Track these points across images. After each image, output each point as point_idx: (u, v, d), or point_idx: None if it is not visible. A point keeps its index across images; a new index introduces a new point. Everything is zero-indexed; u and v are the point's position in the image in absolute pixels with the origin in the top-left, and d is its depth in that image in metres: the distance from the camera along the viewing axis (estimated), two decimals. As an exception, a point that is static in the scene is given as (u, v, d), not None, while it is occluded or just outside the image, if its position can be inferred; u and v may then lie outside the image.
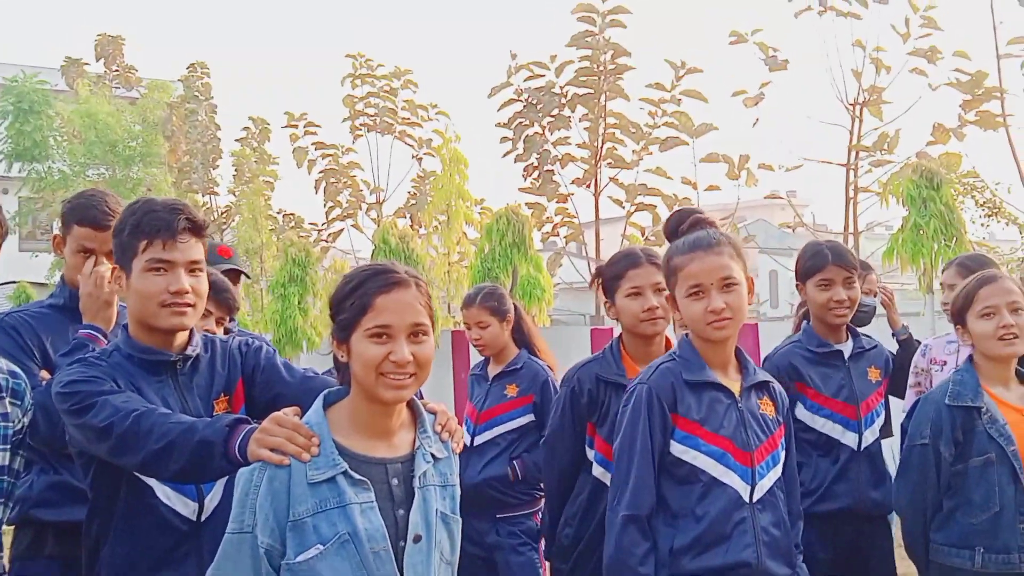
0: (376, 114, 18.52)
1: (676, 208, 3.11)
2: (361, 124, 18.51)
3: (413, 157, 18.62)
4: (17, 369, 2.69)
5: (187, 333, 2.78)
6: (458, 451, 2.49)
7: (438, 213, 17.41)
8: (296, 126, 18.76)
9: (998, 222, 13.06)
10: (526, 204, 15.86)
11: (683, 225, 2.97)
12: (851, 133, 13.83)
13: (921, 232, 9.96)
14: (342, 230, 18.78)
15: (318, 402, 2.36)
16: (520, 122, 15.88)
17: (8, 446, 2.54)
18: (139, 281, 2.69)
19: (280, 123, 19.03)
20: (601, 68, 15.44)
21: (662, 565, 2.78)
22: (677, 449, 2.83)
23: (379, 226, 15.86)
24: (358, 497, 2.24)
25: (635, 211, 15.86)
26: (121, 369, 2.66)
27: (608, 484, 3.14)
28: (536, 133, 15.84)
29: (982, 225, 13.61)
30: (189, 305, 2.72)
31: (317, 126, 18.77)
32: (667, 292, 3.05)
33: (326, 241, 18.85)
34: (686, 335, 2.99)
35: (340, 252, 19.08)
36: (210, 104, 23.06)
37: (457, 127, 17.32)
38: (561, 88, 15.67)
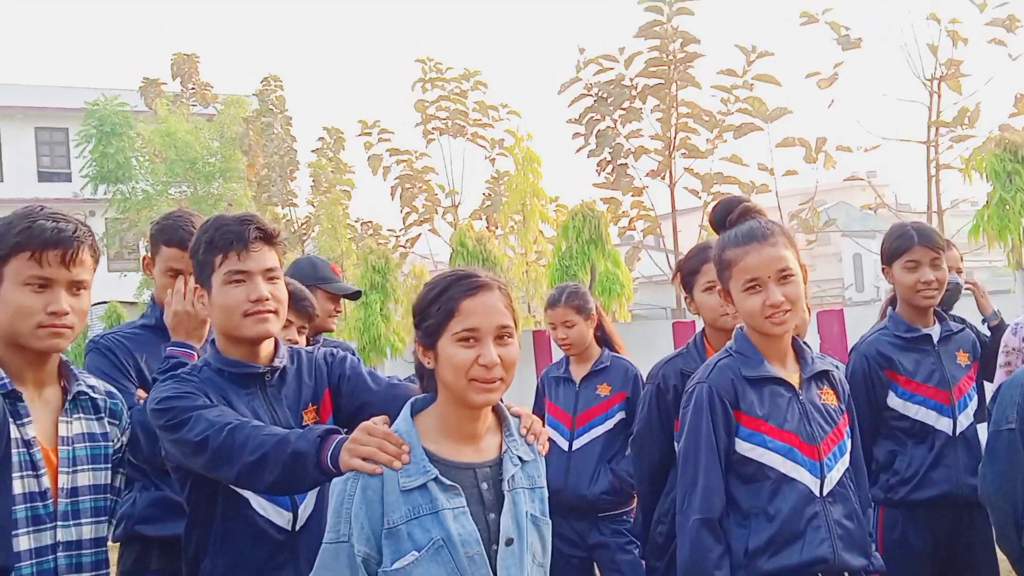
0: (448, 117, 18.62)
1: (722, 197, 3.06)
2: (433, 128, 18.62)
3: (486, 158, 18.66)
4: (114, 389, 2.76)
5: (273, 345, 2.83)
6: (544, 452, 2.49)
7: (513, 213, 17.46)
8: (370, 133, 18.95)
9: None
10: (601, 199, 15.81)
11: (732, 215, 2.93)
12: (930, 109, 13.53)
13: (1007, 207, 9.71)
14: (419, 235, 18.92)
15: (406, 410, 2.39)
16: (591, 117, 15.82)
17: (109, 465, 2.61)
18: (220, 295, 2.74)
19: (354, 132, 19.25)
20: (671, 57, 15.32)
21: (738, 567, 2.75)
22: (743, 447, 2.79)
23: (456, 229, 15.93)
24: (450, 503, 2.27)
25: (712, 201, 15.71)
26: (212, 383, 2.70)
27: None
28: (608, 127, 15.77)
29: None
30: (271, 312, 2.76)
31: (391, 132, 18.95)
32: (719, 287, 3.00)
33: (404, 247, 19.00)
34: (740, 328, 2.94)
35: (419, 257, 19.22)
36: (285, 117, 23.39)
37: (528, 126, 17.34)
38: (631, 80, 15.57)
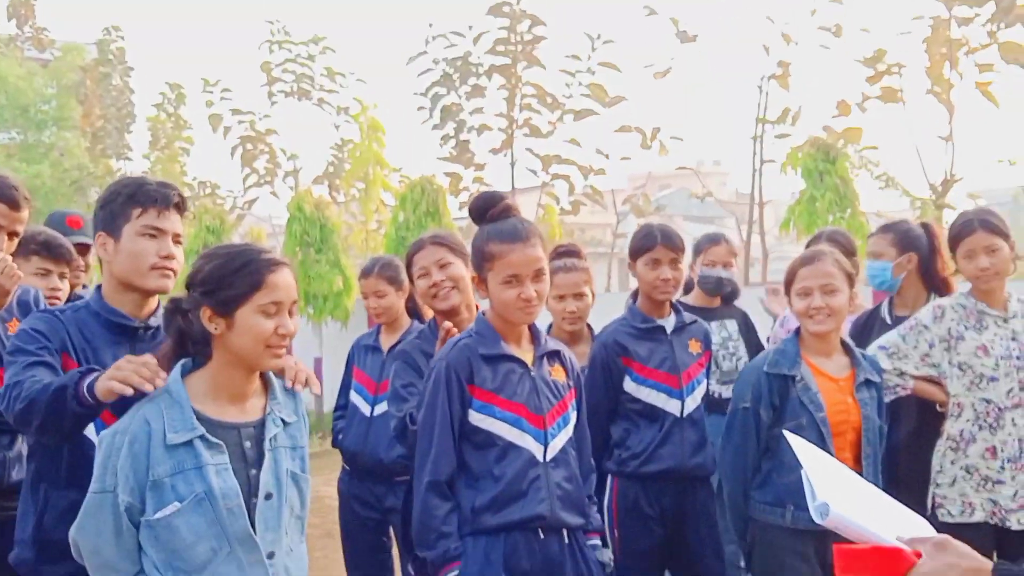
0: (294, 80, 18.45)
1: (483, 192, 3.28)
2: (278, 91, 18.43)
3: (332, 125, 18.59)
4: None
5: (154, 305, 2.97)
6: (317, 391, 2.68)
7: (356, 181, 17.46)
8: (212, 91, 18.63)
9: (896, 190, 13.49)
10: (444, 173, 15.99)
11: (494, 210, 3.14)
12: (759, 106, 14.18)
13: (817, 204, 10.32)
14: (258, 198, 18.74)
15: (176, 371, 2.52)
16: (437, 91, 15.97)
17: None
18: (131, 243, 2.87)
19: (197, 89, 18.89)
20: (518, 38, 15.58)
21: (465, 522, 3.02)
22: (475, 418, 3.06)
23: (295, 194, 15.86)
24: (213, 459, 2.43)
25: (551, 180, 16.07)
26: (84, 324, 2.85)
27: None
28: (453, 103, 15.94)
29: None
30: (173, 271, 2.91)
31: (231, 91, 18.65)
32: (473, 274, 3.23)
33: (242, 209, 18.78)
34: (482, 313, 3.20)
35: (256, 220, 19.03)
36: (125, 68, 22.73)
37: (375, 96, 17.34)
38: (478, 58, 15.77)
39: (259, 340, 2.49)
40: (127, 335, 2.89)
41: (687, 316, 4.13)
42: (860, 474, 3.45)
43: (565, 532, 3.09)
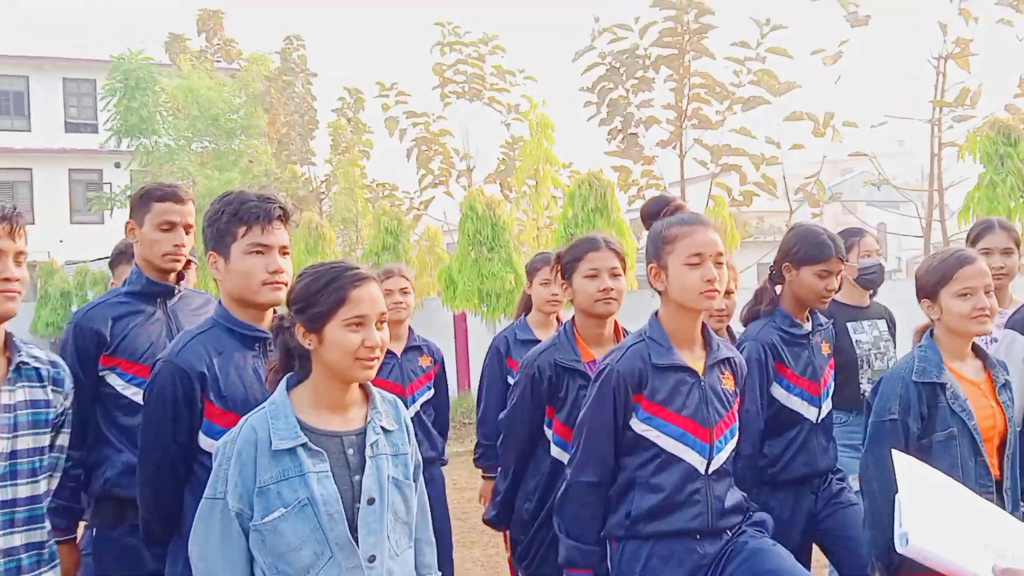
0: (465, 81, 18.82)
1: (653, 196, 3.34)
2: (450, 91, 18.82)
3: (502, 123, 18.89)
4: (57, 359, 2.97)
5: (272, 313, 3.11)
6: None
7: (527, 178, 17.68)
8: (388, 95, 19.18)
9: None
10: (612, 167, 16.02)
11: (668, 208, 3.21)
12: (936, 88, 13.66)
13: (997, 189, 9.91)
14: (433, 198, 19.20)
15: (281, 385, 2.70)
16: (604, 85, 16.00)
17: (49, 429, 2.83)
18: (240, 262, 3.01)
19: (373, 93, 19.49)
20: (685, 28, 15.45)
21: (620, 527, 3.07)
22: (640, 427, 3.09)
23: (467, 193, 16.20)
24: (315, 467, 2.58)
25: (720, 172, 15.90)
26: (218, 341, 3.01)
27: (564, 463, 3.44)
28: (620, 96, 15.95)
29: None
30: (284, 284, 3.03)
31: (408, 95, 19.17)
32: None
33: (418, 209, 19.28)
34: (655, 314, 3.21)
35: (432, 220, 19.51)
36: (306, 75, 23.66)
37: (544, 92, 17.51)
38: (645, 50, 15.71)
39: (347, 353, 2.62)
40: (261, 345, 3.05)
41: (819, 318, 4.08)
42: (1001, 480, 3.36)
43: (726, 533, 3.13)
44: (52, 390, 2.84)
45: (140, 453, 3.02)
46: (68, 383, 2.91)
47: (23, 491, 2.69)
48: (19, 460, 2.70)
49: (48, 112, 35.49)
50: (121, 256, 4.32)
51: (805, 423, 3.91)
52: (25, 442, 2.72)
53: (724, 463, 3.15)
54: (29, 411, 2.74)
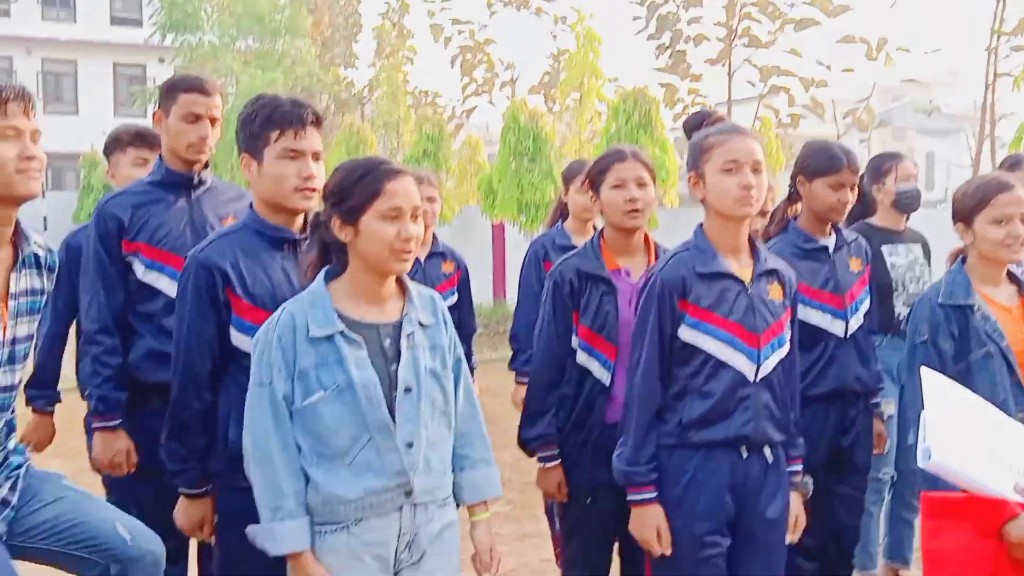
0: (513, -11, 18.61)
1: (697, 109, 3.31)
2: (498, 0, 18.63)
3: (548, 34, 18.68)
4: (51, 245, 2.95)
5: (303, 216, 3.13)
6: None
7: (571, 91, 17.54)
8: (433, 1, 19.03)
9: None
10: (659, 84, 15.87)
11: (709, 120, 3.18)
12: (995, 15, 13.34)
13: (1051, 122, 9.71)
14: (475, 107, 19.14)
15: (320, 276, 2.72)
16: (653, 0, 15.77)
17: (39, 315, 2.86)
18: (273, 167, 2.97)
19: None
20: (739, -56, 15.16)
21: (671, 435, 3.09)
22: (687, 334, 3.08)
23: (511, 104, 16.10)
24: (353, 353, 2.62)
25: (768, 93, 15.71)
26: (249, 243, 3.01)
27: (591, 370, 3.48)
28: (669, 12, 15.72)
29: None
30: (315, 190, 3.00)
31: (453, 1, 18.99)
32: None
33: (460, 118, 19.22)
34: (700, 225, 3.19)
35: (474, 129, 19.44)
36: (352, -23, 23.48)
37: (592, 4, 17.21)
38: (697, -36, 15.44)
39: (383, 245, 2.63)
40: (290, 246, 3.04)
41: (847, 234, 4.04)
42: None
43: (768, 451, 3.16)
44: (47, 277, 2.86)
45: (174, 350, 3.07)
46: (56, 267, 2.92)
47: (20, 376, 2.76)
48: (17, 346, 2.74)
49: (94, 3, 35.41)
50: (115, 144, 4.29)
51: (831, 338, 3.88)
52: (23, 329, 2.76)
53: (771, 372, 3.15)
54: (28, 298, 2.78)
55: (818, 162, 3.87)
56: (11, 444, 2.80)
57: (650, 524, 3.02)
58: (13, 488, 2.75)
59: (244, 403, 2.79)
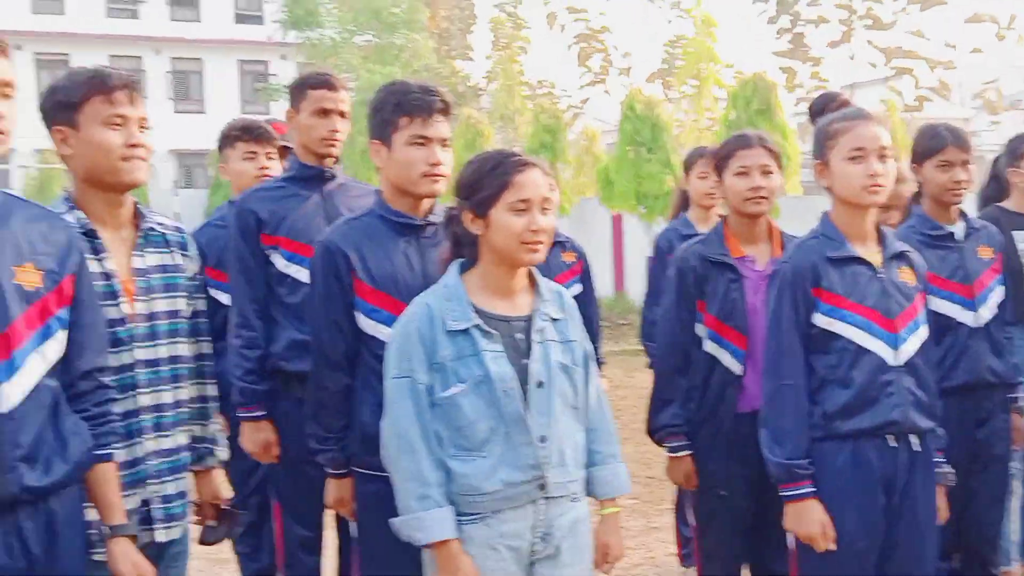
0: (628, -24, 18.50)
1: (822, 92, 3.26)
2: (613, -13, 18.56)
3: (665, 20, 18.54)
4: (182, 225, 3.08)
5: (432, 203, 3.19)
6: None
7: (689, 78, 17.38)
8: (549, -10, 19.04)
9: None
10: (779, 68, 15.61)
11: (833, 104, 3.14)
12: None
13: None
14: (591, 97, 19.08)
15: (454, 268, 2.78)
16: (773, -17, 15.51)
17: (183, 292, 2.94)
18: (402, 152, 3.04)
19: (534, -12, 19.34)
20: (861, -77, 14.80)
21: (816, 427, 3.06)
22: (822, 321, 3.05)
23: (627, 92, 16.03)
24: (489, 347, 2.67)
25: (893, 75, 15.32)
26: (373, 228, 3.09)
27: (720, 359, 3.46)
28: (789, -6, 15.44)
29: None
30: (443, 176, 3.07)
31: (568, -10, 18.97)
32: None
33: (577, 108, 19.21)
34: (826, 212, 3.15)
35: (591, 118, 19.41)
36: (467, -31, 23.64)
37: (709, -12, 17.01)
38: (818, -55, 15.13)
39: (513, 237, 2.67)
40: (413, 232, 3.11)
41: (976, 221, 3.93)
42: None
43: (915, 439, 3.12)
44: (181, 255, 2.96)
45: (311, 335, 3.18)
46: (192, 248, 3.03)
47: (164, 351, 2.85)
48: (157, 322, 2.83)
49: (218, 3, 36.39)
50: (225, 139, 4.44)
51: (961, 328, 3.78)
52: (160, 304, 2.85)
53: (913, 356, 3.11)
54: (160, 275, 2.87)
55: (924, 143, 3.80)
56: (181, 436, 2.88)
57: (813, 519, 2.98)
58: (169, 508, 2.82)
59: (373, 386, 2.91)
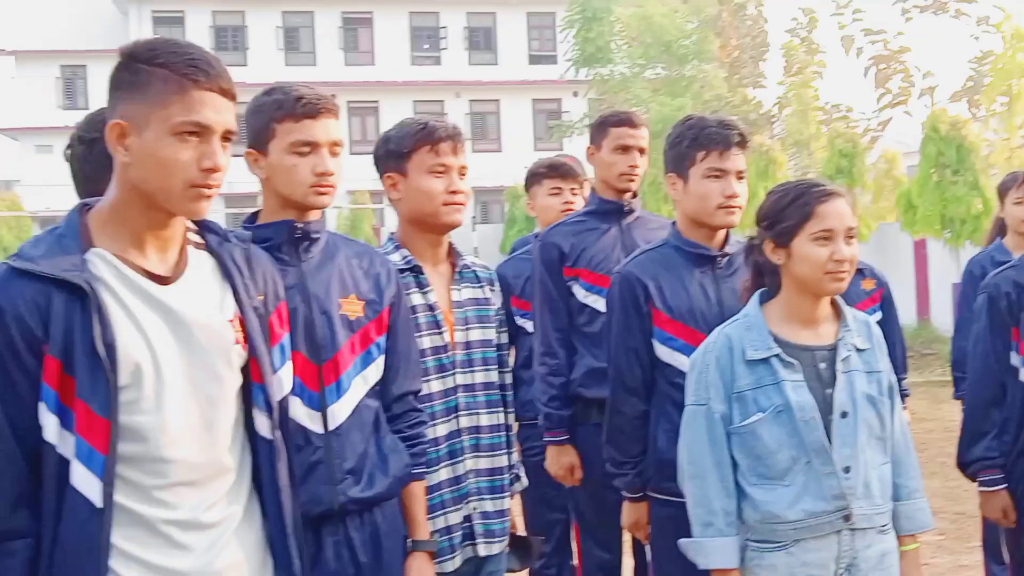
0: (930, -7, 17.75)
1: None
2: (913, 6, 17.83)
3: (970, 36, 17.61)
4: (489, 265, 3.29)
5: (726, 233, 3.26)
6: None
7: (998, 95, 16.43)
8: (843, 13, 18.54)
9: None
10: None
11: None
12: None
13: None
14: (891, 119, 18.36)
15: (755, 299, 2.81)
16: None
17: (492, 324, 3.13)
18: (698, 186, 3.14)
19: (827, 12, 18.90)
20: None
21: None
22: None
23: (930, 113, 15.34)
24: (789, 376, 2.66)
25: None
26: (669, 260, 3.20)
27: None
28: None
29: None
30: (738, 207, 3.14)
31: (863, 12, 18.40)
32: None
33: (875, 131, 18.54)
34: None
35: (890, 142, 18.68)
36: (759, -3, 23.37)
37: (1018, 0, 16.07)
38: None
39: (816, 267, 2.66)
40: (708, 263, 3.18)
41: None
42: None
43: None
44: (490, 289, 3.17)
45: (608, 363, 3.28)
46: (497, 284, 3.23)
47: (479, 377, 3.04)
48: (472, 350, 3.03)
49: (514, 45, 37.80)
50: (532, 177, 4.62)
51: None
52: (475, 334, 3.05)
53: None
54: (474, 307, 3.08)
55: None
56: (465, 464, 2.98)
57: None
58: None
59: (668, 412, 3.00)
